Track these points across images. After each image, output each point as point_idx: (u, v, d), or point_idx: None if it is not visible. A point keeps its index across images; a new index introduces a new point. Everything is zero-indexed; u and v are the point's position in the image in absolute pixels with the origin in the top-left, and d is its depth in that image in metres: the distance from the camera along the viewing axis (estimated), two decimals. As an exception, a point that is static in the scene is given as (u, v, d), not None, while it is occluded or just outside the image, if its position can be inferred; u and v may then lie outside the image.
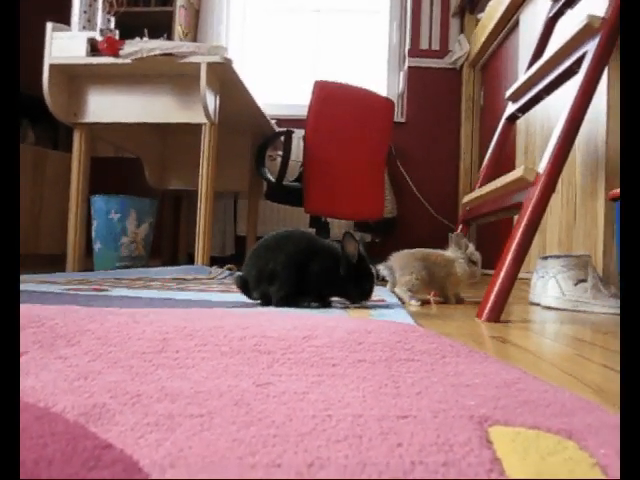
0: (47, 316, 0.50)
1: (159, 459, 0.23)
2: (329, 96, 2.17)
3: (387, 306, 1.01)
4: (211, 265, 1.93)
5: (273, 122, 2.62)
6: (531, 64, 1.51)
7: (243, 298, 1.02)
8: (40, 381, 0.35)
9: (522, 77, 1.45)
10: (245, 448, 0.25)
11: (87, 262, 2.18)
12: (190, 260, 2.86)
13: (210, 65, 1.84)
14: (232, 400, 0.32)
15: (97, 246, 2.29)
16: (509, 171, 1.14)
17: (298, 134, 2.68)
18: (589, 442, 0.27)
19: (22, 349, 0.43)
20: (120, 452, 0.24)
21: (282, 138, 2.32)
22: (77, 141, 2.07)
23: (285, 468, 0.23)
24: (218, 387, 0.35)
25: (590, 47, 1.07)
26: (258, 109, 2.26)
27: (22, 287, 1.10)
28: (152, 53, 1.83)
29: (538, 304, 1.31)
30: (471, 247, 1.31)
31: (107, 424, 0.27)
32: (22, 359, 0.41)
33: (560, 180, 1.03)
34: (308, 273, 0.94)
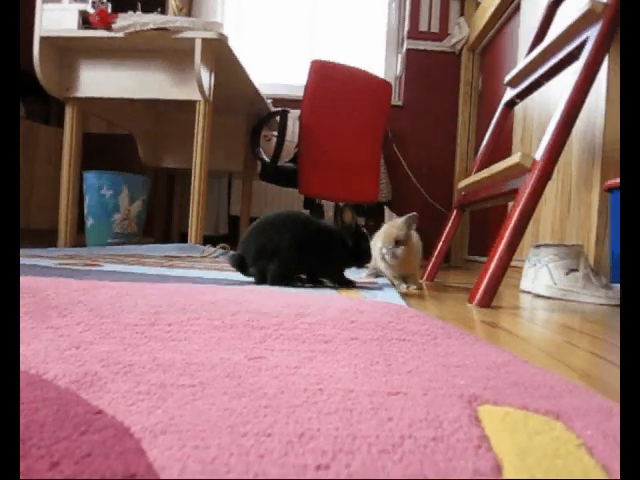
0: (39, 288, 0.50)
1: (150, 426, 0.23)
2: (326, 76, 2.14)
3: (379, 288, 1.01)
4: (204, 244, 1.92)
5: (269, 102, 2.59)
6: (531, 49, 1.49)
7: (236, 276, 1.01)
8: (31, 349, 0.35)
9: (522, 62, 1.44)
10: (236, 417, 0.25)
11: (79, 238, 2.16)
12: (183, 239, 2.84)
13: (205, 41, 1.80)
14: (224, 372, 0.32)
15: (89, 222, 2.27)
16: (506, 158, 1.14)
17: (294, 114, 2.66)
18: (576, 423, 0.27)
19: (13, 318, 0.42)
20: (111, 418, 0.24)
21: (277, 118, 2.29)
22: (69, 116, 2.04)
23: (276, 437, 0.23)
24: (210, 359, 0.35)
25: (591, 33, 1.06)
26: (254, 88, 2.23)
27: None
28: (145, 27, 1.79)
29: (529, 292, 1.32)
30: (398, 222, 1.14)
31: (99, 392, 0.27)
32: (12, 328, 0.41)
33: (555, 169, 1.03)
34: (311, 254, 0.96)
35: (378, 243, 1.12)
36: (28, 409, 0.24)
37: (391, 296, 0.87)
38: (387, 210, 1.25)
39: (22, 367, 0.31)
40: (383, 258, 1.11)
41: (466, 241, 3.02)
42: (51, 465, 0.19)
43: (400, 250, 1.10)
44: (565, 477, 0.21)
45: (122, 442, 0.21)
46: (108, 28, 1.84)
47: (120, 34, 1.83)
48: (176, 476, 0.19)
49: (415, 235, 1.19)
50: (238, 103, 2.45)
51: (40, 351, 0.35)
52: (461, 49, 3.08)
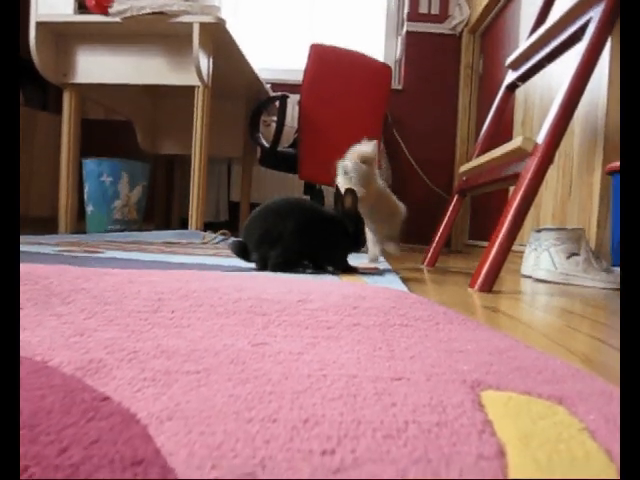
0: (41, 275, 0.50)
1: (156, 412, 0.23)
2: (325, 60, 2.12)
3: (381, 273, 1.02)
4: (205, 230, 1.92)
5: (268, 86, 2.56)
6: (533, 31, 1.47)
7: (237, 262, 1.01)
8: (36, 336, 0.35)
9: (523, 44, 1.42)
10: (241, 403, 0.25)
11: (79, 225, 2.16)
12: (183, 225, 2.84)
13: (203, 25, 1.78)
14: (228, 358, 0.32)
15: (89, 209, 2.27)
16: (507, 142, 1.13)
17: (293, 99, 2.63)
18: (579, 408, 0.27)
19: (16, 305, 0.43)
20: (118, 405, 0.24)
21: (277, 103, 2.28)
22: (67, 102, 2.02)
23: (281, 423, 0.23)
24: (214, 346, 0.35)
25: (594, 14, 1.05)
26: (252, 72, 2.21)
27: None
28: (142, 12, 1.76)
29: (530, 276, 1.32)
30: None
31: (104, 378, 0.27)
32: (16, 315, 0.41)
33: (557, 152, 1.02)
34: (314, 241, 0.96)
35: (343, 161, 1.06)
36: (35, 396, 0.24)
37: (393, 282, 0.87)
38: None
39: (27, 354, 0.31)
40: (345, 172, 1.04)
41: (467, 226, 3.01)
42: (60, 451, 0.20)
43: (365, 167, 1.04)
44: (568, 461, 0.21)
45: (129, 428, 0.22)
46: (104, 13, 1.81)
47: (117, 19, 1.80)
48: (183, 461, 0.19)
49: (390, 195, 1.16)
50: (237, 88, 2.43)
51: (45, 338, 0.35)
52: (462, 31, 3.04)
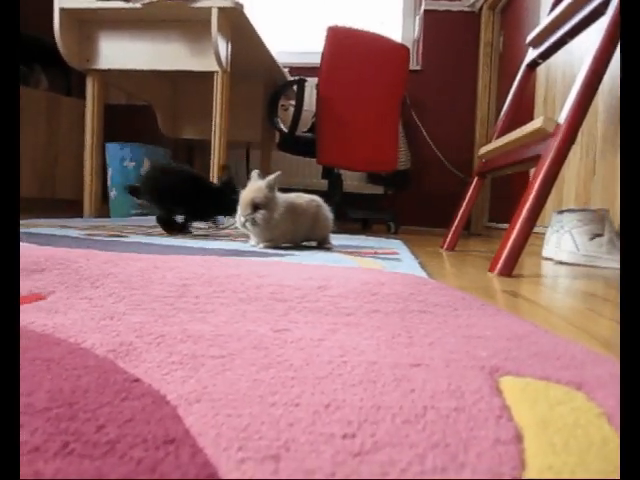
0: (70, 258, 0.52)
1: (185, 394, 0.24)
2: (342, 43, 2.09)
3: (399, 259, 1.02)
4: (224, 215, 1.94)
5: (285, 70, 2.55)
6: (555, 5, 1.42)
7: (256, 247, 1.03)
8: (69, 319, 0.36)
9: (545, 20, 1.38)
10: (265, 388, 0.26)
11: (103, 208, 2.20)
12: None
13: (221, 10, 1.78)
14: (251, 344, 0.33)
15: (113, 193, 2.31)
16: (527, 122, 1.11)
17: (311, 82, 2.61)
18: (598, 393, 0.27)
19: (49, 289, 0.44)
20: (148, 386, 0.25)
21: (295, 87, 2.26)
22: (90, 88, 2.05)
23: (303, 407, 0.24)
24: (237, 331, 0.36)
25: (621, -13, 1.01)
26: (270, 57, 2.20)
27: (43, 230, 1.12)
28: (162, -3, 1.77)
29: (552, 259, 1.31)
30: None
31: (134, 361, 0.29)
32: (50, 298, 0.43)
33: (580, 130, 1.00)
34: (197, 203, 1.32)
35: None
36: (72, 375, 0.26)
37: (412, 267, 0.88)
38: (254, 173, 1.09)
39: (62, 336, 0.33)
40: (243, 226, 1.02)
41: (486, 208, 2.98)
42: (97, 428, 0.21)
43: (260, 215, 0.99)
44: (585, 446, 0.22)
45: (160, 409, 0.23)
46: (125, -1, 1.83)
47: (137, 4, 1.81)
48: (212, 442, 0.20)
49: (315, 199, 1.13)
50: (255, 72, 2.42)
51: (77, 321, 0.36)
52: (481, 8, 2.95)
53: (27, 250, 0.59)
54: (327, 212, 1.18)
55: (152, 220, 1.81)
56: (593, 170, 1.49)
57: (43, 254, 0.56)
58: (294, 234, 1.12)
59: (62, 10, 1.89)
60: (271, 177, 1.03)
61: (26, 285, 0.46)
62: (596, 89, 0.99)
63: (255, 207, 1.01)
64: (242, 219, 1.01)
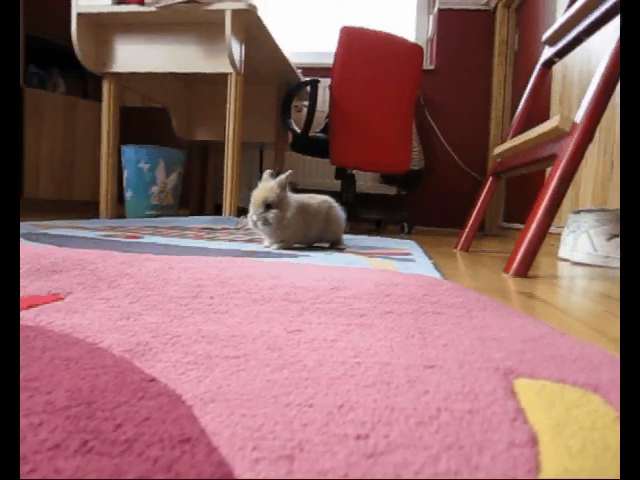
0: (87, 260, 0.53)
1: (200, 394, 0.25)
2: (355, 43, 2.09)
3: (413, 259, 1.01)
4: (238, 216, 1.95)
5: (299, 71, 2.56)
6: (571, 3, 1.41)
7: (270, 248, 1.03)
8: (86, 319, 0.37)
9: (561, 18, 1.36)
10: (279, 388, 0.26)
11: (119, 209, 2.23)
12: (217, 210, 2.89)
13: (235, 12, 1.79)
14: (265, 344, 0.34)
15: (128, 194, 2.34)
16: (543, 121, 1.10)
17: (324, 83, 2.61)
18: (614, 396, 0.27)
19: (67, 289, 0.45)
20: (164, 386, 0.26)
21: (308, 88, 2.27)
22: (106, 91, 2.08)
23: (317, 408, 0.24)
24: (251, 332, 0.36)
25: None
26: (284, 58, 2.21)
27: (61, 232, 1.14)
28: (176, 0, 1.80)
29: (568, 260, 1.29)
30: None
31: (150, 360, 0.29)
32: (68, 299, 0.43)
33: (598, 127, 0.98)
34: None
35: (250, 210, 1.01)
36: (90, 374, 0.26)
37: (425, 268, 0.87)
38: (266, 173, 1.09)
39: (80, 335, 0.33)
40: (255, 225, 1.01)
41: (501, 209, 2.95)
42: (115, 427, 0.21)
43: (272, 214, 0.99)
44: (601, 450, 0.21)
45: (176, 408, 0.23)
46: (141, 2, 1.86)
47: (152, 8, 1.84)
48: (227, 441, 0.20)
49: (327, 200, 1.13)
50: (268, 74, 2.43)
51: (94, 321, 0.37)
52: (496, 5, 2.92)
53: (45, 251, 0.60)
54: (339, 213, 1.18)
55: (167, 221, 1.83)
56: (611, 168, 1.47)
57: (61, 255, 0.57)
58: (306, 234, 1.12)
59: (79, 15, 1.93)
60: (282, 176, 1.03)
61: (45, 286, 0.47)
62: (614, 87, 0.97)
63: (267, 206, 1.00)
64: (254, 218, 1.01)
